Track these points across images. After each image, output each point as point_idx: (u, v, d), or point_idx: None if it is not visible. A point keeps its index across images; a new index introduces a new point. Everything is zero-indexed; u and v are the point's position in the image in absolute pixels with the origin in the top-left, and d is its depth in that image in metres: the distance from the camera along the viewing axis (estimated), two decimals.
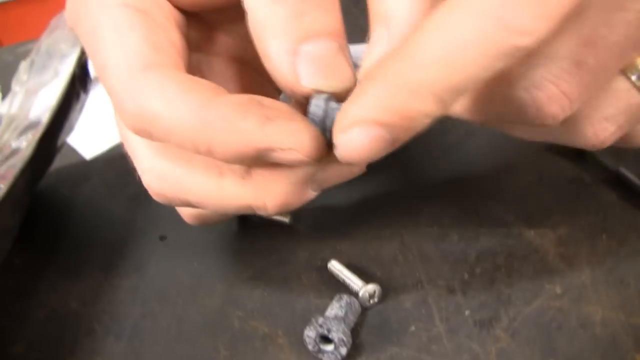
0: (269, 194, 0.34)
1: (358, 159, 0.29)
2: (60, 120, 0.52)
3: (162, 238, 0.52)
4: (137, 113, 0.33)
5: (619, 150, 0.50)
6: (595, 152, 0.50)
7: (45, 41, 0.63)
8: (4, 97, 0.87)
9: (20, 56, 1.02)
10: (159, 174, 0.36)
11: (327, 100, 0.32)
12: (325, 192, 0.51)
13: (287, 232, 0.50)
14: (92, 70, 0.58)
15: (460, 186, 0.51)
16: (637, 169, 0.47)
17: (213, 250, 0.50)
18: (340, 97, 0.32)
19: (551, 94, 0.32)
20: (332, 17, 0.33)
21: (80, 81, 0.56)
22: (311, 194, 0.36)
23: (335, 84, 0.32)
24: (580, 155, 0.51)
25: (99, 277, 0.50)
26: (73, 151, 0.68)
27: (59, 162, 0.58)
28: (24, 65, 0.66)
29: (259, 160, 0.32)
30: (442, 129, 0.57)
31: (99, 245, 0.54)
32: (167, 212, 0.54)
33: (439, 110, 0.28)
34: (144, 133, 0.33)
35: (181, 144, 0.32)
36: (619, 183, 0.48)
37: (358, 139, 0.29)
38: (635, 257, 0.42)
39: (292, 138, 0.30)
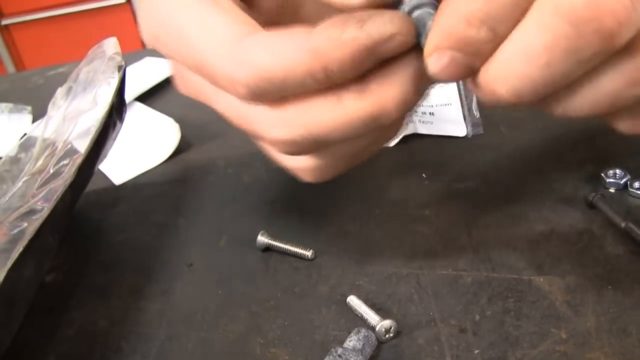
0: (388, 96, 0.36)
1: (443, 76, 0.34)
2: (98, 148, 0.55)
3: (189, 265, 0.55)
4: (250, 75, 0.36)
5: (629, 205, 0.52)
6: (604, 206, 0.52)
7: (83, 70, 0.67)
8: (35, 118, 0.90)
9: (50, 79, 1.06)
10: (285, 123, 0.38)
11: (414, 7, 0.35)
12: (347, 230, 0.54)
13: (309, 266, 0.52)
14: (127, 99, 0.61)
15: (475, 232, 0.53)
16: None
17: (238, 279, 0.52)
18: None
19: None
20: None
21: (117, 111, 0.59)
22: (424, 90, 0.38)
23: None
24: (590, 208, 0.53)
25: (127, 298, 0.53)
26: (103, 176, 0.71)
27: (89, 186, 0.61)
28: (61, 91, 0.69)
29: (372, 63, 0.35)
30: (459, 177, 0.60)
31: (128, 269, 0.56)
32: (193, 240, 0.57)
33: (489, 37, 0.32)
34: (260, 94, 0.37)
35: (299, 81, 0.36)
36: (627, 237, 0.50)
37: (438, 61, 0.33)
38: (639, 308, 0.44)
39: (390, 25, 0.34)
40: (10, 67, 3.34)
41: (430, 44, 0.33)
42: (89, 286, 0.55)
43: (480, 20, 0.31)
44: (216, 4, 0.39)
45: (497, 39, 0.32)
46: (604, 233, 0.51)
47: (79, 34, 3.25)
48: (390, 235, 0.54)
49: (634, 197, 0.54)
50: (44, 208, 0.48)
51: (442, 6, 0.33)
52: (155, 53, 1.03)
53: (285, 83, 0.36)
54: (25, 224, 0.47)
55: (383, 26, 0.34)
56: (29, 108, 0.93)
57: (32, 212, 0.49)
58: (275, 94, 0.37)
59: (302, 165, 0.43)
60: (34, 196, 0.51)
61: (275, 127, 0.39)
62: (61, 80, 1.02)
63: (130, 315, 0.51)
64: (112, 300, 0.53)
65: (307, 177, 0.44)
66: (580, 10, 0.28)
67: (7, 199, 0.57)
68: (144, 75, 0.94)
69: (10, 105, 0.93)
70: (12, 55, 3.33)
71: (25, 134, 0.84)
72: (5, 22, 3.24)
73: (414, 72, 0.36)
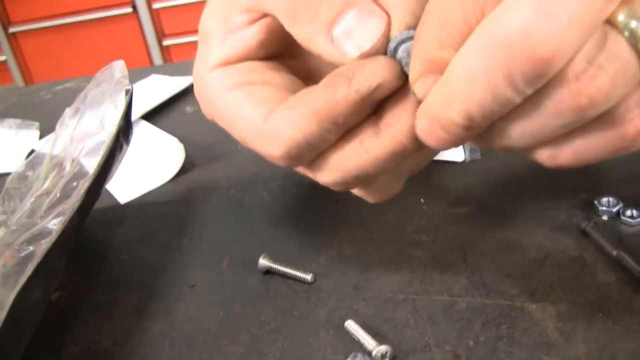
0: (400, 133, 0.39)
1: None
2: (105, 171, 0.57)
3: (192, 286, 0.56)
4: (281, 149, 0.42)
5: (620, 233, 0.53)
6: (597, 234, 0.53)
7: (91, 91, 0.68)
8: (42, 134, 0.92)
9: (57, 94, 1.07)
10: (326, 169, 0.44)
11: (399, 42, 0.39)
12: (346, 253, 0.55)
13: (309, 290, 0.54)
14: (133, 117, 0.62)
15: (470, 258, 0.54)
16: (635, 254, 0.51)
17: (239, 302, 0.54)
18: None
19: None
20: None
21: (123, 134, 0.60)
22: None
23: (371, 38, 0.39)
24: (583, 235, 0.54)
25: (130, 318, 0.54)
26: (108, 194, 0.72)
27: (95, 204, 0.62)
28: (69, 112, 0.71)
29: (373, 105, 0.40)
30: (456, 202, 0.61)
31: (132, 288, 0.58)
32: (196, 261, 0.58)
33: (450, 56, 0.34)
34: (296, 158, 0.43)
35: (320, 138, 0.41)
36: (618, 265, 0.51)
37: (423, 86, 0.35)
38: (628, 337, 0.46)
39: (373, 78, 0.38)
40: (16, 75, 3.36)
41: (412, 72, 0.36)
42: (94, 305, 0.57)
43: (446, 41, 0.34)
44: (245, 85, 0.45)
45: None
46: (596, 261, 0.52)
47: (85, 43, 3.27)
48: (387, 259, 0.56)
49: (626, 225, 0.55)
50: (52, 231, 0.49)
51: (416, 35, 0.36)
52: (161, 71, 1.05)
53: (310, 143, 0.41)
54: (32, 248, 0.49)
55: (367, 80, 0.38)
56: (37, 124, 0.94)
57: (40, 235, 0.50)
58: (308, 154, 0.42)
59: (360, 193, 0.48)
60: (42, 218, 0.53)
61: (319, 174, 0.44)
62: (68, 95, 1.04)
63: (133, 335, 0.52)
64: (116, 319, 0.54)
65: (369, 200, 0.48)
66: (514, 38, 0.29)
67: (16, 218, 0.59)
68: (150, 93, 0.96)
69: (18, 121, 0.95)
70: (18, 63, 3.35)
71: (32, 150, 0.86)
72: (12, 30, 3.26)
73: (416, 105, 0.38)
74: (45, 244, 0.48)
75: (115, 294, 0.57)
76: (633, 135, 0.33)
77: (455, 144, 0.35)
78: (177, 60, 3.23)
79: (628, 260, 0.50)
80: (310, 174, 0.46)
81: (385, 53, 0.39)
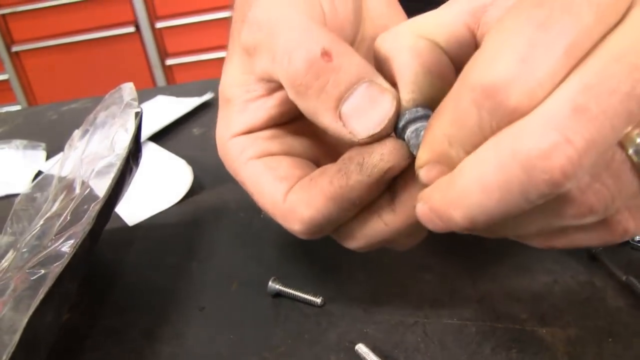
0: (415, 210, 0.38)
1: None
2: (115, 194, 0.57)
3: (201, 309, 0.56)
4: (302, 227, 0.44)
5: (630, 258, 0.54)
6: (606, 259, 0.53)
7: (100, 113, 0.68)
8: (49, 155, 0.92)
9: (64, 115, 1.07)
10: (349, 238, 0.46)
11: (407, 121, 0.40)
12: (356, 277, 0.55)
13: (319, 313, 0.54)
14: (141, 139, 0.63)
15: (480, 282, 0.54)
16: None
17: (249, 324, 0.54)
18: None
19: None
20: (350, 61, 0.41)
21: (133, 157, 0.60)
22: None
23: (381, 120, 0.40)
24: (592, 260, 0.55)
25: (140, 341, 0.54)
26: (116, 216, 0.72)
27: None
28: (77, 133, 0.71)
29: (386, 183, 0.42)
30: None
31: (142, 311, 0.58)
32: (206, 284, 0.59)
33: (462, 157, 0.34)
34: (317, 233, 0.45)
35: (338, 216, 0.44)
36: (628, 290, 0.51)
37: (429, 173, 0.36)
38: None
39: (382, 163, 0.40)
40: (19, 94, 3.37)
41: (420, 157, 0.37)
42: (104, 328, 0.57)
43: (457, 141, 0.34)
44: (265, 157, 0.47)
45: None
46: (605, 286, 0.52)
47: (88, 62, 3.28)
48: (397, 283, 0.56)
49: (636, 249, 0.55)
50: (64, 255, 0.50)
51: (428, 126, 0.36)
52: (167, 92, 1.05)
53: (329, 221, 0.44)
54: (43, 271, 0.49)
55: (378, 165, 0.40)
56: (43, 145, 0.95)
57: (51, 258, 0.50)
58: (328, 228, 0.45)
59: (391, 247, 0.49)
60: (52, 241, 0.53)
61: (343, 241, 0.47)
62: (74, 115, 1.04)
63: (144, 359, 0.52)
64: (126, 342, 0.54)
65: (396, 250, 0.50)
66: (534, 160, 0.30)
67: (25, 240, 0.59)
68: (156, 114, 0.96)
69: (24, 141, 0.95)
70: (21, 82, 3.36)
71: (40, 171, 0.86)
72: (15, 48, 3.27)
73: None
74: (57, 268, 0.48)
75: (125, 317, 0.57)
76: (620, 233, 0.35)
77: (450, 231, 0.37)
78: (179, 79, 3.25)
79: (637, 285, 0.51)
80: (335, 239, 0.48)
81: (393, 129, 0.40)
